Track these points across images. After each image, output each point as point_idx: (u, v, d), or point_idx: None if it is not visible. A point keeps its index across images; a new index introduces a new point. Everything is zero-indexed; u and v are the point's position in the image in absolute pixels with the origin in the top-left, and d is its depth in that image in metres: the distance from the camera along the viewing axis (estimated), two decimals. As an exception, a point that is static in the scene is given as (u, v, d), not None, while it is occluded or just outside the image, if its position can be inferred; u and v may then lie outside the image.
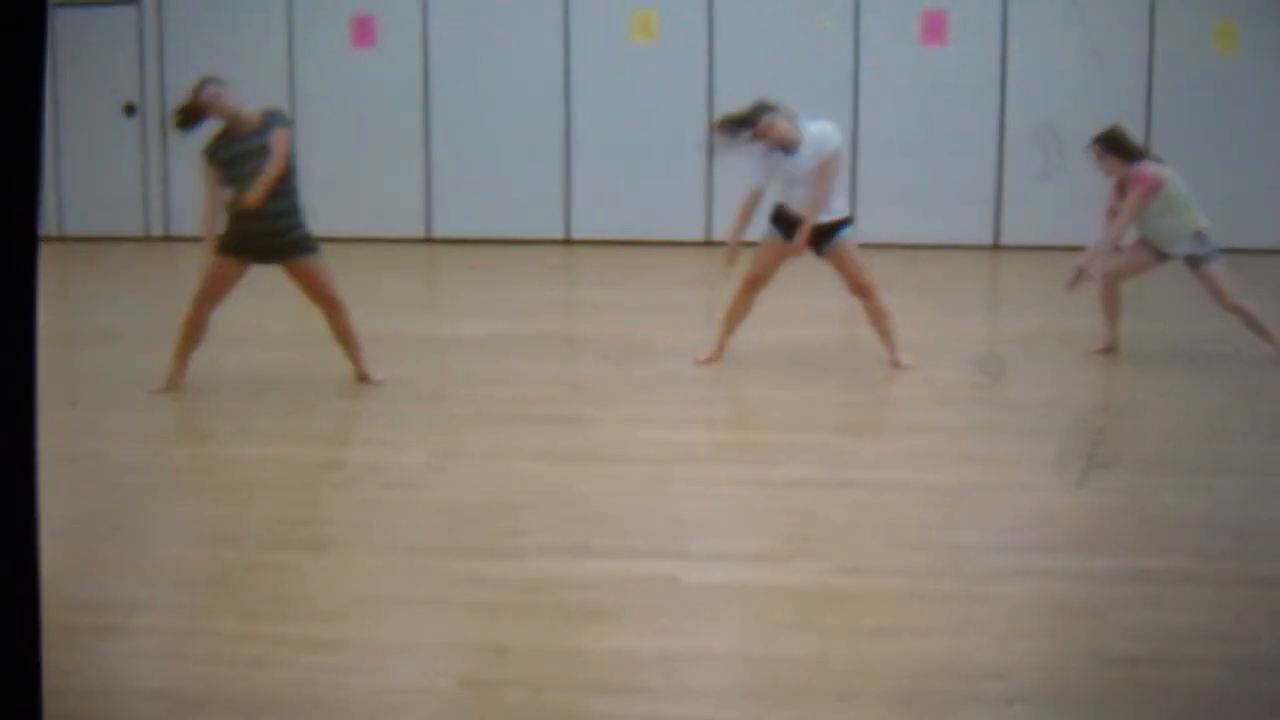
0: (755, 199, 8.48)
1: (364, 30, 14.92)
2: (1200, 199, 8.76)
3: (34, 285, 2.29)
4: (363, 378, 8.14)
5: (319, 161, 12.88)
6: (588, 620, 4.64)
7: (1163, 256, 8.79)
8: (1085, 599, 4.82)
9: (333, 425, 7.70)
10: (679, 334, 9.06)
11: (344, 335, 8.08)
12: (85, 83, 14.87)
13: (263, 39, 14.96)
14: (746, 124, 8.37)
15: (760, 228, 8.62)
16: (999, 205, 14.37)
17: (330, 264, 8.04)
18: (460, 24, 14.79)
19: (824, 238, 8.45)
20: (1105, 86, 13.88)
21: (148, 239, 15.54)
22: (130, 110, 15.43)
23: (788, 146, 8.32)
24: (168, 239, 15.46)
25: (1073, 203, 13.84)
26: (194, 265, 8.00)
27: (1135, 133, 13.88)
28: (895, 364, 8.55)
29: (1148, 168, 8.58)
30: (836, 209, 8.46)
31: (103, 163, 15.33)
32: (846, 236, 8.49)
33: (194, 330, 7.95)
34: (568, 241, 14.96)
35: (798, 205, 8.38)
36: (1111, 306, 8.98)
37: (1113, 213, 8.72)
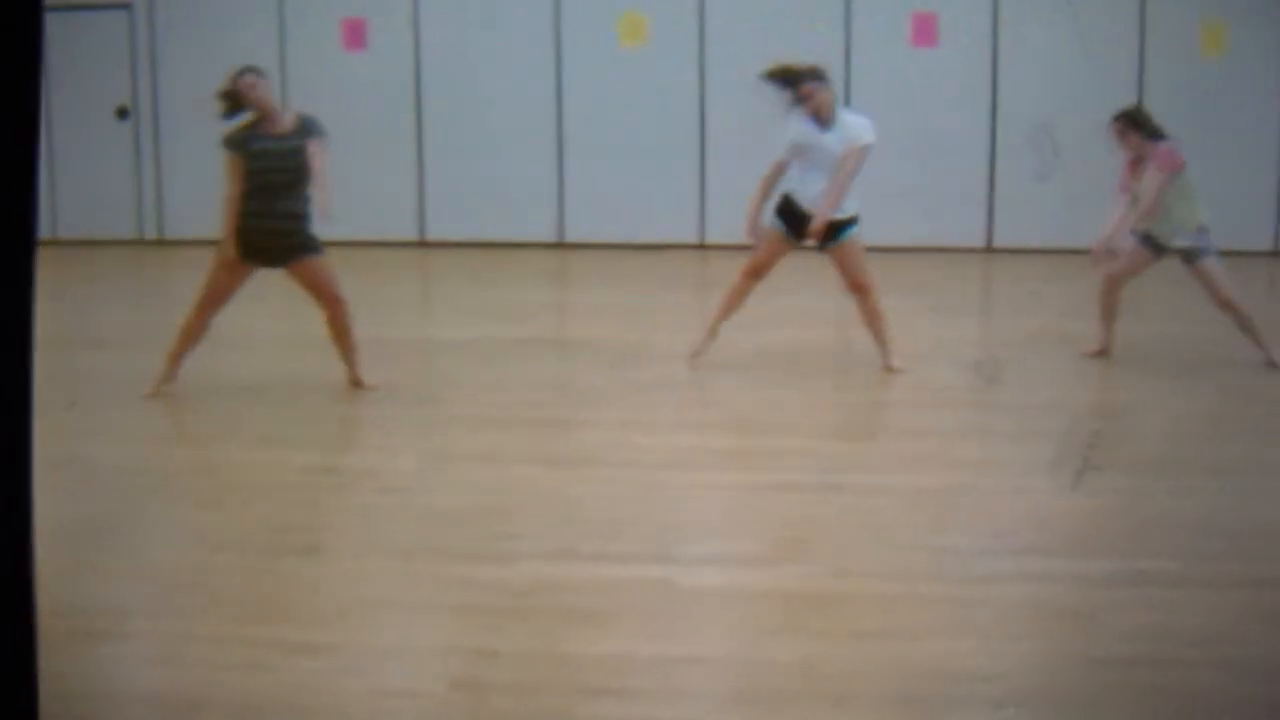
0: (779, 172, 8.44)
1: (356, 34, 14.91)
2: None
3: (31, 289, 2.30)
4: (356, 382, 8.14)
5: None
6: (580, 624, 4.64)
7: (1160, 252, 8.77)
8: (1078, 602, 4.83)
9: (326, 429, 7.70)
10: (672, 338, 9.07)
11: (343, 335, 8.05)
12: (78, 86, 14.84)
13: (255, 42, 14.91)
14: (795, 80, 8.34)
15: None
16: (991, 208, 14.38)
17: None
18: (452, 27, 14.78)
19: (831, 234, 8.45)
20: (1096, 89, 13.88)
21: (141, 243, 15.52)
22: (123, 114, 15.41)
23: (822, 120, 8.31)
24: (161, 243, 15.44)
25: (1065, 206, 13.89)
26: (194, 267, 7.98)
27: (1126, 135, 13.96)
28: (888, 368, 8.56)
29: (1173, 147, 8.59)
30: (847, 207, 8.44)
31: (96, 166, 15.30)
32: (854, 235, 8.50)
33: (193, 334, 7.93)
34: (560, 245, 14.95)
35: (808, 200, 8.35)
36: (1109, 310, 8.99)
37: (1126, 188, 8.68)
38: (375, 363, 8.26)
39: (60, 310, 10.47)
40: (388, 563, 5.30)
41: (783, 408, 7.86)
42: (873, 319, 8.61)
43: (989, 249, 14.40)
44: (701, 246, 14.50)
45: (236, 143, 7.70)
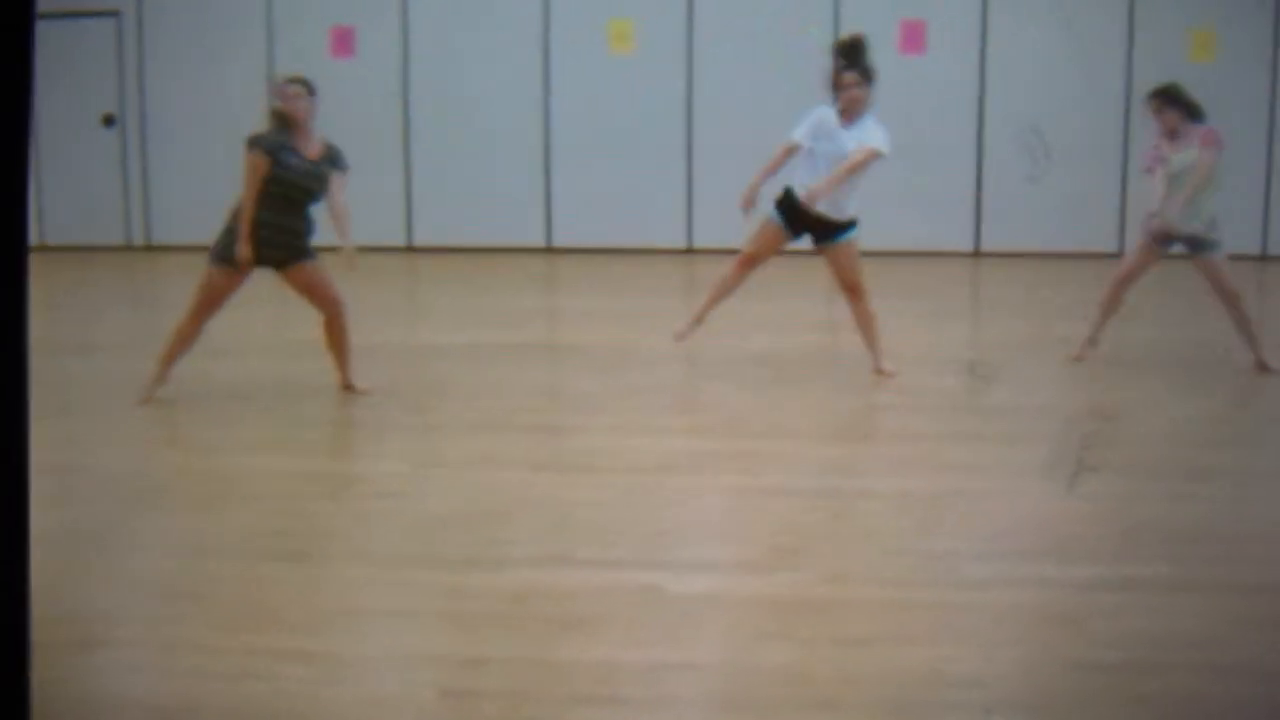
0: (788, 154, 8.43)
1: (344, 41, 14.90)
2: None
3: (25, 295, 2.29)
4: (347, 387, 8.13)
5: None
6: (569, 630, 4.64)
7: (1167, 244, 8.74)
8: (1069, 607, 4.83)
9: (318, 435, 7.69)
10: (662, 342, 9.06)
11: (340, 339, 8.03)
12: (65, 94, 14.84)
13: (242, 49, 14.94)
14: (854, 62, 8.34)
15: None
16: (979, 213, 14.41)
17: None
18: (440, 34, 14.78)
19: (828, 235, 8.46)
20: (1084, 95, 13.94)
21: (129, 249, 15.51)
22: (109, 121, 15.40)
23: (848, 117, 8.31)
24: (149, 249, 15.43)
25: (1052, 211, 13.94)
26: (182, 272, 7.96)
27: (1114, 137, 14.02)
28: (879, 371, 8.57)
29: (1215, 127, 8.59)
30: (848, 210, 8.44)
31: (83, 173, 15.29)
32: (851, 238, 8.50)
33: (186, 339, 7.90)
34: (549, 250, 14.96)
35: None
36: (1111, 306, 8.99)
37: (1156, 164, 8.62)
38: (366, 368, 8.25)
39: (50, 316, 10.44)
40: (379, 569, 5.29)
41: (774, 412, 7.86)
42: (864, 322, 8.62)
43: (977, 253, 14.43)
44: (689, 251, 14.52)
45: (267, 148, 7.68)
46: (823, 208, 8.36)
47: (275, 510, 6.09)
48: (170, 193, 15.29)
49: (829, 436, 7.48)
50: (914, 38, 14.15)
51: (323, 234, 7.88)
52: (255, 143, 7.72)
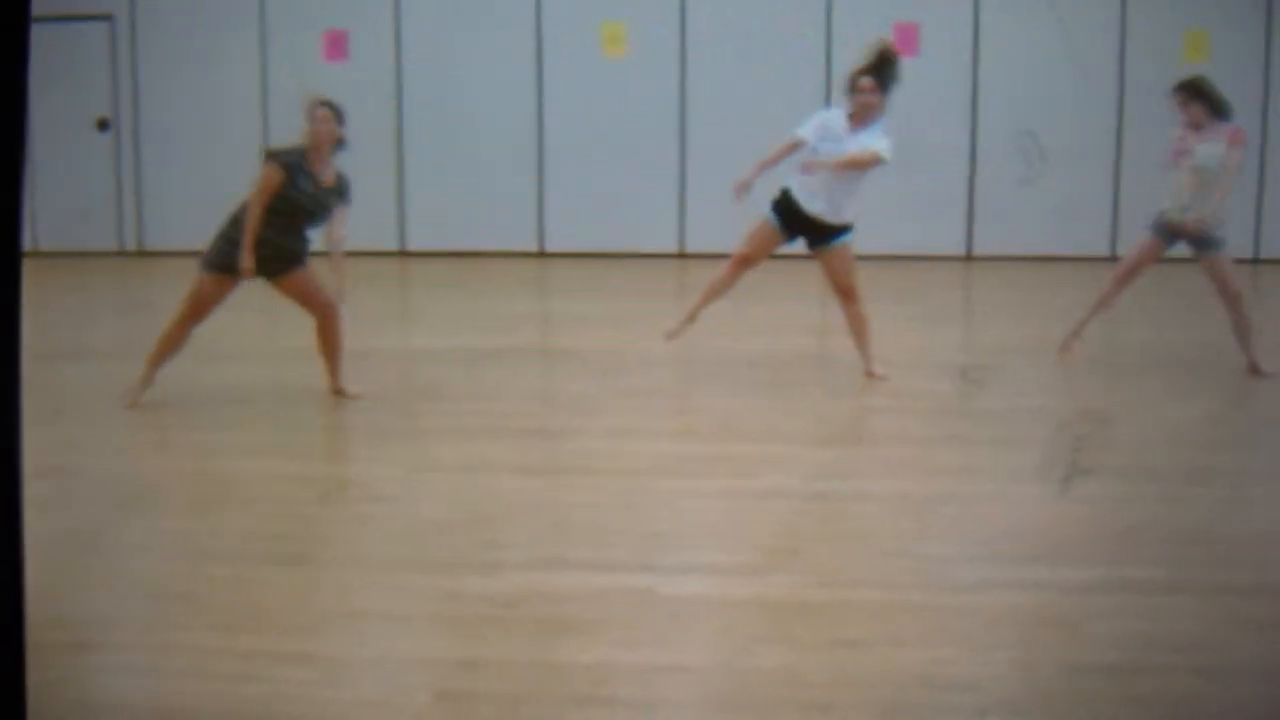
0: (791, 149, 8.44)
1: (337, 45, 14.91)
2: (1173, 207, 8.83)
3: (18, 301, 2.29)
4: (339, 391, 8.13)
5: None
6: (563, 633, 4.64)
7: (1172, 240, 8.74)
8: (1061, 609, 4.83)
9: (311, 439, 7.69)
10: (654, 346, 9.07)
11: (333, 343, 8.03)
12: (59, 97, 14.83)
13: (236, 53, 14.94)
14: (883, 72, 8.36)
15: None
16: (971, 216, 14.43)
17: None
18: (433, 38, 14.79)
19: (824, 238, 8.47)
20: (1077, 97, 13.96)
21: (122, 253, 15.49)
22: (104, 125, 15.39)
23: (860, 117, 8.33)
24: (142, 254, 15.42)
25: (1045, 214, 13.95)
26: (175, 277, 7.95)
27: (1107, 141, 14.04)
28: (870, 374, 8.58)
29: (1240, 126, 8.59)
30: (845, 214, 8.45)
31: (77, 178, 15.28)
32: (847, 241, 8.51)
33: (174, 345, 7.90)
34: (542, 254, 14.96)
35: (806, 197, 8.37)
36: (1106, 302, 9.00)
37: (1179, 157, 8.61)
38: (360, 373, 8.26)
39: (44, 321, 10.44)
40: (373, 573, 5.29)
41: (768, 415, 7.87)
42: (857, 325, 8.63)
43: (969, 257, 14.44)
44: (682, 255, 14.52)
45: (284, 165, 7.66)
46: (820, 210, 8.38)
47: (270, 514, 6.09)
48: (164, 197, 15.29)
49: (822, 439, 7.48)
50: (907, 40, 14.15)
51: (313, 241, 7.89)
52: (273, 157, 7.72)
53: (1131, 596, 4.92)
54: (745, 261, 8.67)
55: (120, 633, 4.74)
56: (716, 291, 8.77)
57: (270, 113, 14.87)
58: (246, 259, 7.56)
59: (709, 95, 14.46)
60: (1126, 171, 14.02)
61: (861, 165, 8.22)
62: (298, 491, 6.46)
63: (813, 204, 8.39)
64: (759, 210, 8.59)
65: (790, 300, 11.14)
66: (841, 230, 8.45)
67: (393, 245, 15.03)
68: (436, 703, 4.15)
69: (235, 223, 7.71)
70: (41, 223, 14.96)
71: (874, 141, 8.24)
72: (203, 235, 8.02)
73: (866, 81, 8.33)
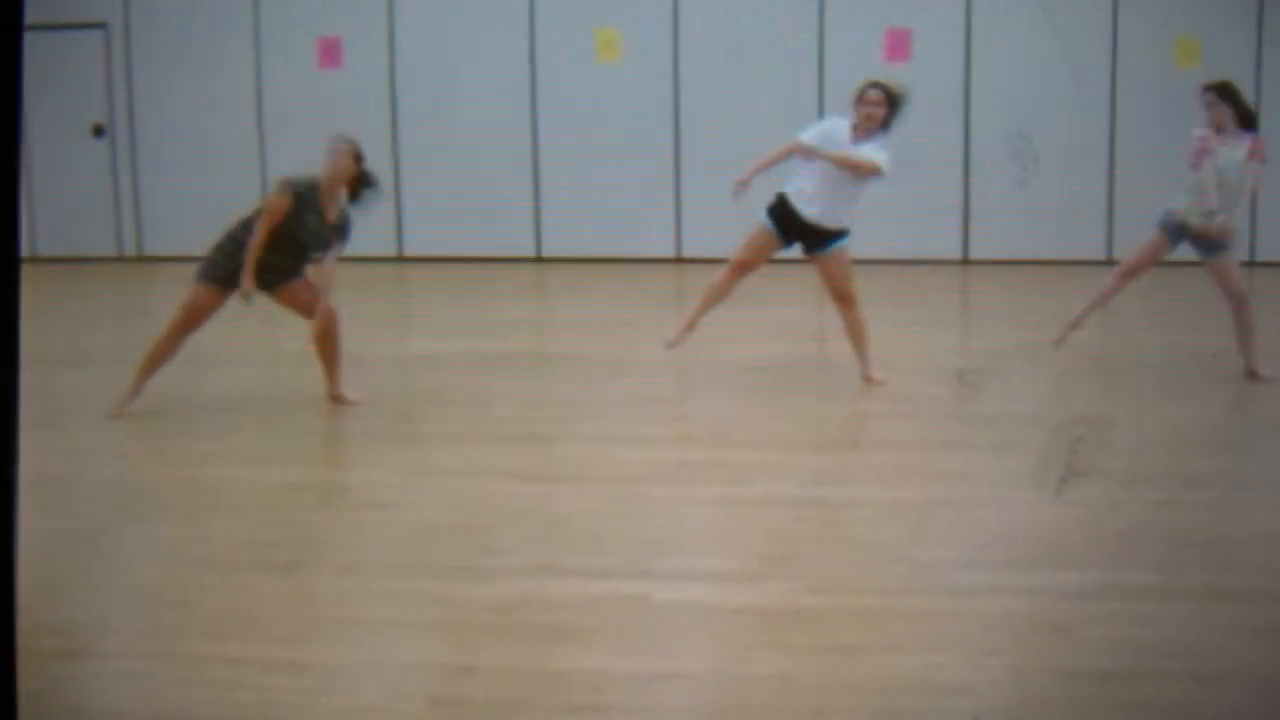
0: (791, 152, 8.43)
1: (331, 52, 14.90)
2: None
3: (16, 307, 2.29)
4: (336, 397, 8.12)
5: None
6: (558, 640, 4.64)
7: (1178, 240, 8.73)
8: (1055, 614, 4.84)
9: (307, 445, 7.68)
10: (651, 352, 9.06)
11: (331, 348, 8.03)
12: (54, 105, 14.83)
13: (230, 60, 14.94)
14: (893, 106, 8.38)
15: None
16: (966, 221, 14.43)
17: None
18: (427, 44, 14.78)
19: (820, 244, 8.48)
20: (1069, 101, 13.95)
21: (120, 259, 15.49)
22: (99, 132, 15.38)
23: (863, 129, 8.33)
24: (140, 259, 15.41)
25: (1040, 218, 13.95)
26: (174, 283, 7.93)
27: (1100, 145, 14.05)
28: (868, 379, 8.58)
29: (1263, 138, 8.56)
30: (842, 219, 8.46)
31: (73, 184, 15.27)
32: (842, 246, 8.52)
33: (164, 355, 7.89)
34: (538, 259, 14.96)
35: (802, 203, 8.37)
36: (1105, 298, 9.00)
37: (1202, 156, 8.53)
38: (356, 379, 8.25)
39: (42, 327, 10.43)
40: (368, 579, 5.29)
41: (763, 420, 7.86)
42: (855, 330, 8.63)
43: (965, 261, 14.44)
44: (678, 260, 14.52)
45: (295, 195, 7.68)
46: (816, 215, 8.39)
47: (265, 520, 6.08)
48: (161, 203, 15.28)
49: (818, 445, 7.48)
50: (899, 46, 14.17)
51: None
52: (286, 186, 7.73)
53: (1126, 602, 4.93)
54: (742, 268, 8.67)
55: (113, 640, 4.73)
56: (714, 299, 8.77)
57: (265, 119, 14.88)
58: (248, 281, 7.60)
59: (703, 100, 14.45)
60: (1120, 176, 14.02)
61: (860, 170, 8.22)
62: (293, 498, 6.46)
63: (809, 209, 8.40)
64: (755, 213, 8.59)
65: (787, 305, 11.13)
66: (838, 235, 8.46)
67: (389, 251, 15.01)
68: (431, 709, 4.15)
69: (233, 239, 7.73)
70: (40, 229, 14.96)
71: (874, 153, 8.25)
72: (200, 240, 8.02)
73: (875, 94, 8.34)
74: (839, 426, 8.03)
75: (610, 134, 14.56)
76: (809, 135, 8.41)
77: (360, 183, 7.90)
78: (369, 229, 14.62)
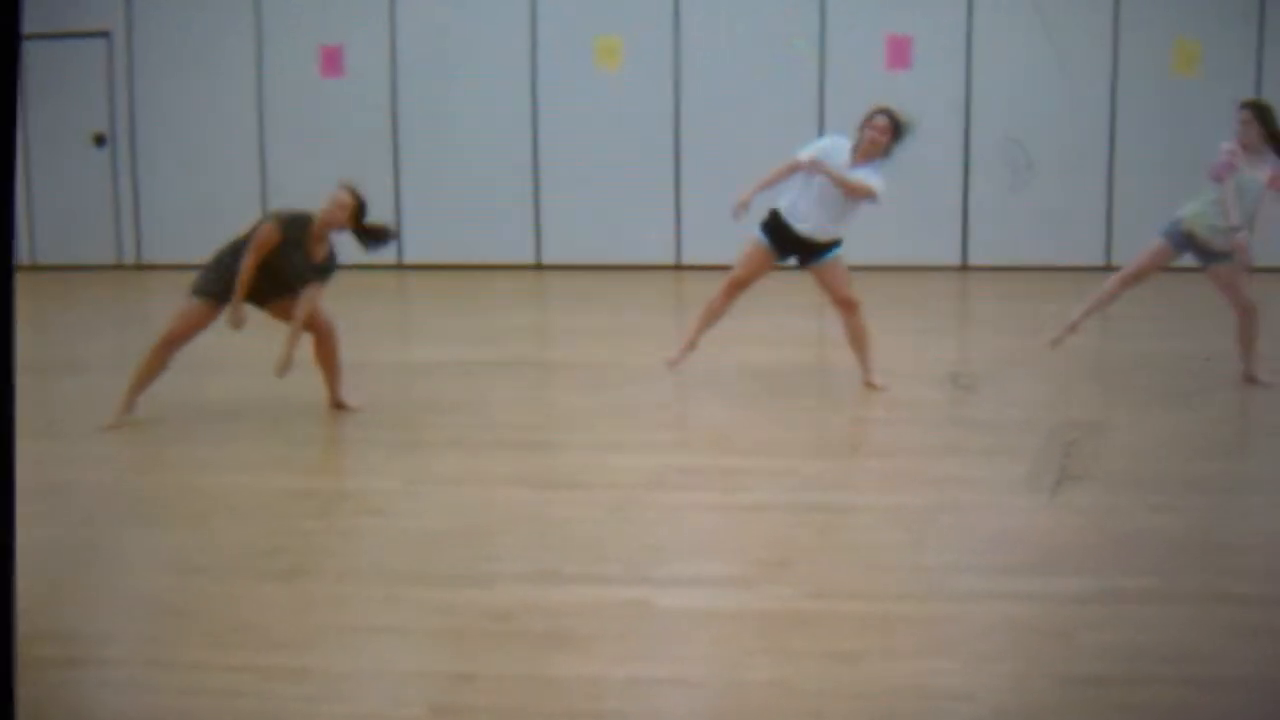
0: (791, 171, 8.47)
1: (333, 60, 14.93)
2: (1162, 217, 8.84)
3: (10, 314, 2.30)
4: (337, 405, 8.14)
5: (288, 192, 12.95)
6: (558, 646, 4.64)
7: (1183, 246, 8.72)
8: (1054, 620, 4.84)
9: (307, 452, 7.69)
10: (650, 359, 9.08)
11: (330, 359, 8.07)
12: (56, 113, 14.87)
13: (232, 69, 14.98)
14: (898, 134, 8.41)
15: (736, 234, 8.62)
16: (965, 227, 14.44)
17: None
18: (428, 53, 14.81)
19: (815, 255, 8.51)
20: (1069, 108, 13.98)
21: (120, 267, 15.51)
22: (100, 141, 15.41)
23: (864, 153, 8.35)
24: (140, 267, 15.44)
25: (1038, 224, 13.96)
26: (173, 291, 7.94)
27: (1099, 150, 14.06)
28: (869, 385, 8.60)
29: None
30: (837, 231, 8.48)
31: (74, 192, 15.31)
32: (837, 255, 8.55)
33: (156, 368, 7.91)
34: (538, 267, 14.98)
35: (797, 220, 8.40)
36: (1105, 301, 9.01)
37: (1230, 167, 8.50)
38: (357, 386, 8.27)
39: (42, 335, 10.45)
40: (369, 586, 5.29)
41: (762, 426, 7.87)
42: (857, 335, 8.66)
43: (964, 266, 14.46)
44: (678, 267, 14.54)
45: (283, 229, 7.72)
46: (809, 230, 8.42)
47: (266, 528, 6.09)
48: (161, 211, 15.31)
49: (818, 451, 7.49)
50: (900, 53, 14.19)
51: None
52: (276, 219, 7.77)
53: (1124, 606, 4.93)
54: (738, 285, 8.71)
55: (113, 647, 4.74)
56: (712, 317, 8.82)
57: (266, 127, 14.91)
58: (235, 313, 7.70)
59: (703, 107, 14.49)
60: (1120, 181, 14.04)
61: (856, 192, 8.26)
62: (293, 505, 6.46)
63: (802, 225, 8.44)
64: (756, 223, 8.61)
65: (787, 311, 11.14)
66: (831, 246, 8.49)
67: (390, 258, 15.02)
68: (431, 717, 4.15)
69: (221, 261, 7.77)
70: (40, 236, 14.98)
71: (869, 177, 8.28)
72: (200, 248, 8.04)
73: (882, 120, 8.37)
74: (838, 432, 8.04)
75: (610, 141, 14.60)
76: (808, 154, 8.44)
77: (361, 237, 7.94)
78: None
